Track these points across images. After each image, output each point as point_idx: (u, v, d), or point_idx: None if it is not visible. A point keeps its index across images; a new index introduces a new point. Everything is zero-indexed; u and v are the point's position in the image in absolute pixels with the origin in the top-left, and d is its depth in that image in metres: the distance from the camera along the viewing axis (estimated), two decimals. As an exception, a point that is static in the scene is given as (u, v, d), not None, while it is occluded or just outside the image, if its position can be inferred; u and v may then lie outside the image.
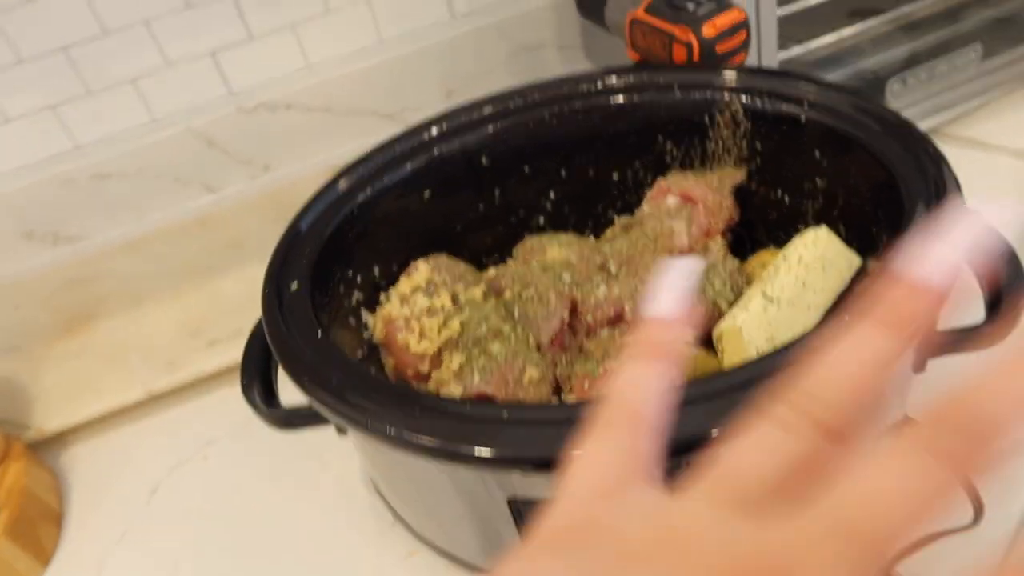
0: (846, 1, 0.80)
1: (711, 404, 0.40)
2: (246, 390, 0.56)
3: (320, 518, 0.65)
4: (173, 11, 0.97)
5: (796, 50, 0.78)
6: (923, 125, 0.88)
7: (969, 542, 0.51)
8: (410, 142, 0.64)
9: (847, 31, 0.80)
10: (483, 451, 0.40)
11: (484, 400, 0.54)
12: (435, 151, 0.64)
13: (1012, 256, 0.52)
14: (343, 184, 0.61)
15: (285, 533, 0.65)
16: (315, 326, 0.51)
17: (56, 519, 0.72)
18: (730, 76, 0.62)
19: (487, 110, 0.66)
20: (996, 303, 0.51)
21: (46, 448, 0.79)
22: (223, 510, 0.70)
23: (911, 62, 0.85)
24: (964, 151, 0.88)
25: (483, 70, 1.12)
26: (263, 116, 1.06)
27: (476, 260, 0.68)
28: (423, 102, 1.12)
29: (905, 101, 0.85)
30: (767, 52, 0.75)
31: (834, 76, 0.85)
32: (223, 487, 0.72)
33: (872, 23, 0.81)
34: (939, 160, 0.51)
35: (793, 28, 0.77)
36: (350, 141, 1.12)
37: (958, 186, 0.49)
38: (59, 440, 0.79)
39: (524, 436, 0.40)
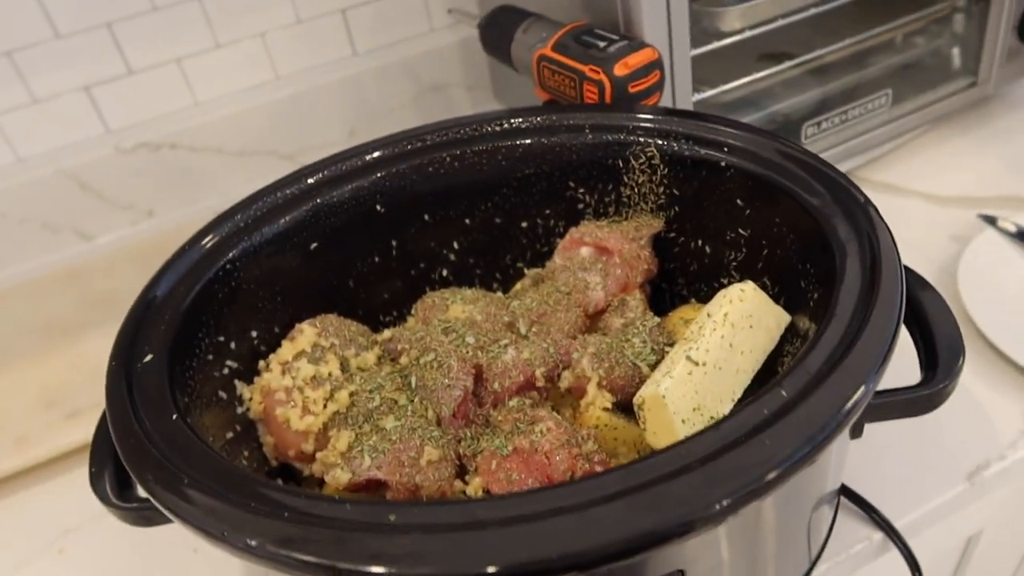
0: (756, 45, 0.77)
1: (639, 498, 0.34)
2: (94, 480, 0.48)
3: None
4: (40, 42, 0.88)
5: (709, 92, 0.75)
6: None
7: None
8: (291, 189, 0.57)
9: (760, 74, 0.78)
10: (361, 569, 0.33)
11: (373, 486, 0.47)
12: (320, 199, 0.57)
13: (947, 314, 0.48)
14: (209, 240, 0.53)
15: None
16: (169, 406, 0.43)
17: None
18: (645, 117, 0.57)
19: (380, 153, 0.59)
20: (933, 363, 0.47)
21: None
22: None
23: (823, 107, 0.83)
24: (878, 195, 0.86)
25: (388, 108, 1.06)
26: (144, 157, 0.97)
27: (372, 319, 0.61)
28: (324, 142, 1.05)
29: (820, 145, 0.83)
30: (681, 93, 0.72)
31: (747, 119, 0.82)
32: (79, 586, 0.62)
33: (785, 66, 0.79)
34: (869, 210, 0.47)
35: (705, 70, 0.74)
36: (244, 184, 1.03)
37: (892, 238, 0.45)
38: None
39: (415, 547, 0.33)
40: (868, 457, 0.61)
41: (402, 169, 0.59)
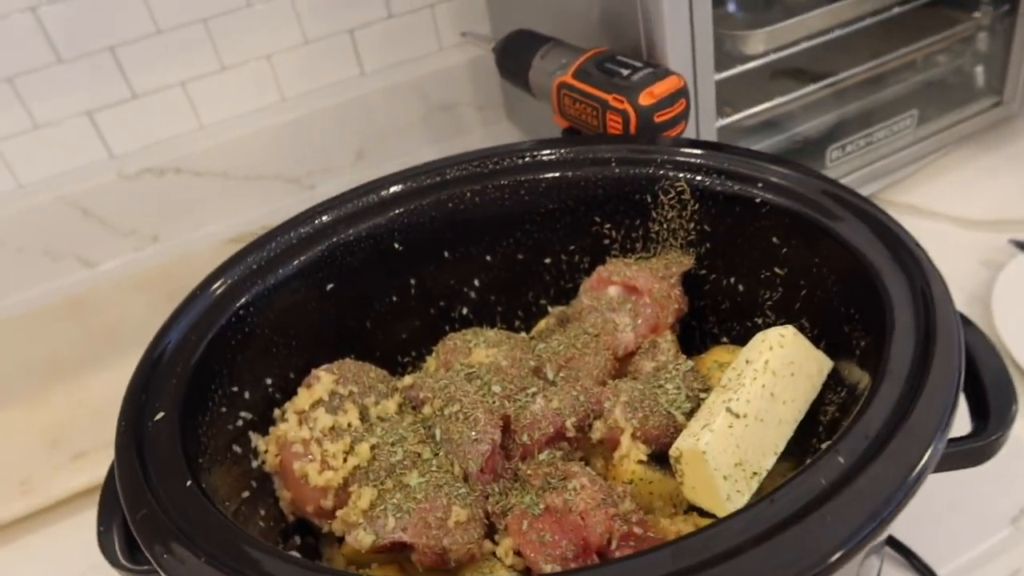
0: (775, 64, 0.75)
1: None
2: (103, 540, 0.45)
3: None
4: (42, 66, 0.86)
5: (733, 117, 0.73)
6: (863, 192, 0.84)
7: None
8: (305, 228, 0.55)
9: (784, 98, 0.76)
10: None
11: (398, 548, 0.45)
12: (336, 237, 0.55)
13: (996, 358, 0.46)
14: (220, 285, 0.51)
15: None
16: (183, 471, 0.41)
17: None
18: (675, 151, 0.55)
19: (397, 188, 0.57)
20: (984, 412, 0.45)
21: None
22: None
23: (846, 128, 0.81)
24: (904, 217, 0.83)
25: (396, 129, 1.03)
26: (148, 182, 0.95)
27: (390, 360, 0.59)
28: (332, 164, 1.02)
29: (844, 169, 0.80)
30: (705, 119, 0.69)
31: (770, 143, 0.80)
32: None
33: (809, 89, 0.77)
34: (918, 253, 0.45)
35: (725, 93, 0.71)
36: (251, 208, 1.01)
37: (944, 285, 0.43)
38: None
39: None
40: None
41: (421, 205, 0.57)
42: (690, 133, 0.69)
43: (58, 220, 0.91)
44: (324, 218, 0.55)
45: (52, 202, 0.91)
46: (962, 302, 0.73)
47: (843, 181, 0.80)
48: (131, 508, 0.39)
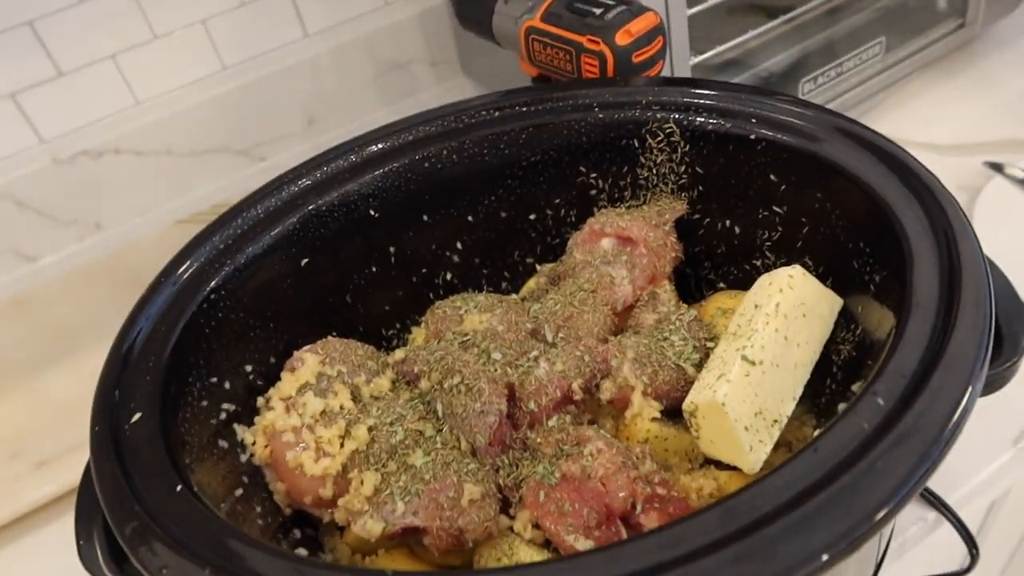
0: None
1: (748, 547, 0.30)
2: (83, 552, 0.42)
3: None
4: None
5: (707, 54, 0.70)
6: (835, 124, 0.83)
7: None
8: (272, 200, 0.50)
9: (755, 31, 0.73)
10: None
11: (410, 533, 0.42)
12: (307, 208, 0.51)
13: (1007, 286, 0.45)
14: (186, 269, 0.46)
15: None
16: (171, 475, 0.37)
17: None
18: (661, 91, 0.52)
19: (369, 150, 0.53)
20: (998, 340, 0.43)
21: None
22: None
23: (816, 60, 0.79)
24: (876, 148, 0.83)
25: (347, 92, 0.98)
26: (85, 166, 0.88)
27: (374, 334, 0.55)
28: (281, 133, 0.97)
29: (816, 100, 0.78)
30: (679, 58, 0.66)
31: (741, 78, 0.77)
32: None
33: (779, 21, 0.74)
34: (928, 178, 0.43)
35: (694, 30, 0.68)
36: (200, 186, 0.95)
37: (960, 209, 0.41)
38: None
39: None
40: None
41: (395, 167, 0.53)
42: (665, 72, 0.67)
43: (-10, 213, 0.85)
44: (293, 188, 0.51)
45: (-18, 194, 0.84)
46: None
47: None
48: (118, 521, 0.35)
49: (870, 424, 0.33)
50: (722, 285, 0.56)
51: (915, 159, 0.44)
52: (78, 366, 0.73)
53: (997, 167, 0.76)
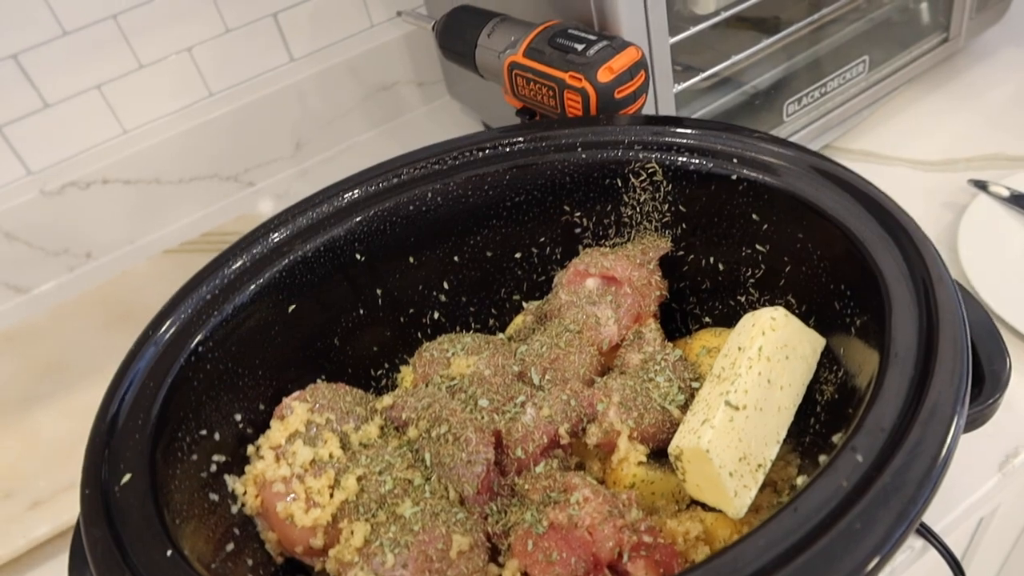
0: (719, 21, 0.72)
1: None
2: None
3: None
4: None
5: (690, 81, 0.70)
6: (818, 143, 0.83)
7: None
8: (257, 248, 0.51)
9: (737, 57, 0.73)
10: None
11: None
12: (293, 255, 0.51)
13: (987, 322, 0.45)
14: (172, 324, 0.47)
15: None
16: (161, 538, 0.38)
17: None
18: (643, 130, 0.52)
19: (352, 195, 0.53)
20: (978, 378, 0.44)
21: None
22: None
23: (801, 81, 0.79)
24: (860, 164, 0.83)
25: (334, 115, 0.98)
26: (73, 196, 0.88)
27: (362, 376, 0.56)
28: (269, 158, 0.97)
29: (801, 122, 0.79)
30: (662, 86, 0.67)
31: (726, 101, 0.78)
32: None
33: (762, 46, 0.74)
34: (905, 221, 0.44)
35: (675, 56, 0.69)
36: (190, 212, 0.95)
37: (935, 253, 0.42)
38: None
39: None
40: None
41: (380, 211, 0.53)
42: (649, 102, 0.67)
43: (-21, 246, 0.85)
44: (276, 236, 0.52)
45: (-31, 228, 0.84)
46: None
47: (800, 134, 0.80)
48: (109, 588, 0.36)
49: (849, 482, 0.34)
50: (708, 320, 0.56)
51: (892, 200, 0.45)
52: (70, 402, 0.73)
53: (981, 185, 0.76)
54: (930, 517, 0.55)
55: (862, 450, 0.35)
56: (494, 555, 0.44)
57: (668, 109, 0.69)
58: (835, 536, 0.32)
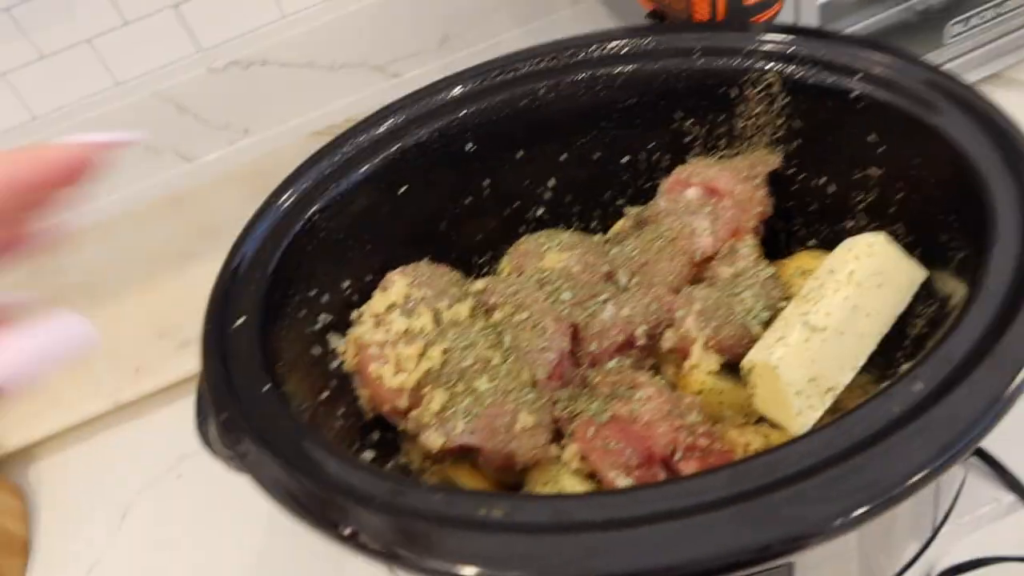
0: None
1: (749, 508, 0.31)
2: (200, 427, 0.49)
3: (311, 541, 0.59)
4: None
5: (840, -10, 0.66)
6: (985, 70, 0.76)
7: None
8: (375, 131, 0.54)
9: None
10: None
11: (467, 450, 0.46)
12: (407, 139, 0.54)
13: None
14: (291, 194, 0.51)
15: (273, 557, 0.59)
16: (262, 376, 0.43)
17: (22, 549, 0.66)
18: (764, 39, 0.50)
19: (468, 87, 0.55)
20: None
21: (9, 466, 0.72)
22: (201, 535, 0.63)
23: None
24: (1026, 97, 0.76)
25: (481, 12, 0.99)
26: (236, 75, 0.95)
27: (466, 261, 0.59)
28: (416, 50, 1.00)
29: (967, 44, 0.72)
30: (807, -4, 0.63)
31: (884, 17, 0.72)
32: (199, 508, 0.65)
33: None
34: (1029, 152, 0.40)
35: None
36: (338, 98, 1.01)
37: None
38: (23, 456, 0.73)
39: (496, 549, 0.32)
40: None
41: (493, 104, 0.55)
42: (788, 11, 0.64)
43: (155, 116, 0.94)
44: (394, 120, 0.55)
45: (148, 98, 0.93)
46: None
47: (965, 58, 0.73)
48: (216, 410, 0.41)
49: (901, 408, 0.33)
50: (813, 243, 0.55)
51: (1020, 129, 0.41)
52: (219, 261, 0.82)
53: None
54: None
55: (923, 379, 0.34)
56: (559, 437, 0.47)
57: (814, 21, 0.65)
58: (869, 456, 0.32)
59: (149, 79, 0.93)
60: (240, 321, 0.46)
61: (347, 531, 0.34)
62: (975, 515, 0.53)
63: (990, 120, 0.42)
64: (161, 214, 0.91)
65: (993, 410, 0.32)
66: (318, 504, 0.36)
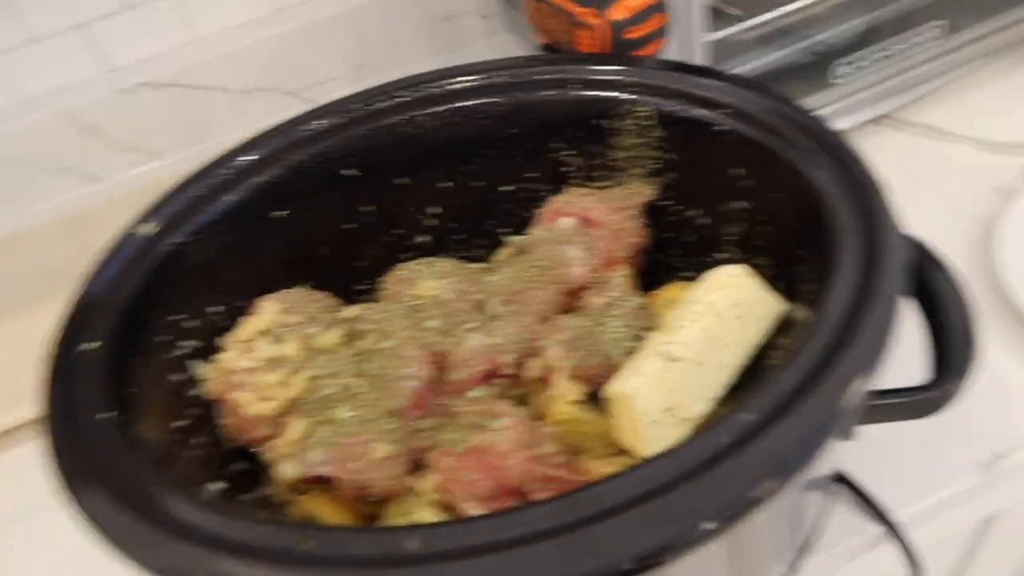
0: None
1: (567, 541, 0.31)
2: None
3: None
4: (30, -23, 0.84)
5: (726, 31, 0.67)
6: (875, 111, 0.78)
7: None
8: (252, 154, 0.53)
9: (794, 6, 0.69)
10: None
11: (324, 481, 0.45)
12: (286, 163, 0.53)
13: (963, 308, 0.43)
14: (160, 219, 0.50)
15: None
16: (107, 401, 0.41)
17: None
18: (635, 72, 0.51)
19: (351, 112, 0.55)
20: (944, 363, 0.42)
21: None
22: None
23: (863, 40, 0.74)
24: (920, 139, 0.78)
25: (396, 41, 0.99)
26: (147, 96, 0.94)
27: (346, 287, 0.58)
28: (330, 77, 1.00)
29: (856, 85, 0.74)
30: (691, 34, 0.64)
31: (773, 59, 0.74)
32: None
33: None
34: (876, 190, 0.41)
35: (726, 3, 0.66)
36: (251, 122, 0.99)
37: (899, 233, 0.40)
38: None
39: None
40: (872, 443, 0.56)
41: (375, 129, 0.54)
42: (679, 50, 0.65)
43: (58, 135, 0.92)
44: (273, 143, 0.54)
45: (51, 117, 0.91)
46: (968, 233, 0.68)
47: (854, 99, 0.75)
48: (50, 439, 0.40)
49: (730, 437, 0.33)
50: (691, 274, 0.55)
51: (868, 167, 0.42)
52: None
53: (1044, 173, 0.70)
54: (895, 501, 0.53)
55: (755, 410, 0.34)
56: (420, 468, 0.46)
57: (702, 59, 0.67)
58: (689, 488, 0.32)
59: (53, 98, 0.91)
60: (90, 345, 0.44)
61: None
62: (846, 545, 0.53)
63: (839, 154, 0.43)
64: (62, 235, 0.88)
65: (816, 439, 0.32)
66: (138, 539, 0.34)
